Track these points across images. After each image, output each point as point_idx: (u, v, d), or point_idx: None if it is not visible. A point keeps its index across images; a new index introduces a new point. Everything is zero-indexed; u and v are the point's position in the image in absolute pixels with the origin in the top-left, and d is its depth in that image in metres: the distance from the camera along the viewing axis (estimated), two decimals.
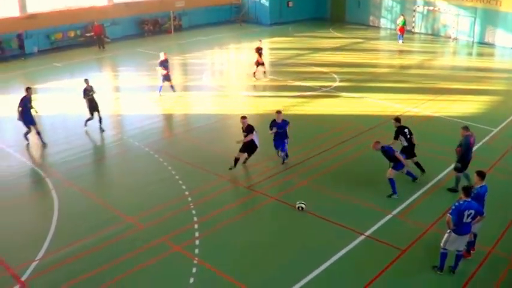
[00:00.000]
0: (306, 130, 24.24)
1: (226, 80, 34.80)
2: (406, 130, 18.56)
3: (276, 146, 20.52)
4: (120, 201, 18.19)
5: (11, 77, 36.14)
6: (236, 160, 19.83)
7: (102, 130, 24.85)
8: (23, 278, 14.04)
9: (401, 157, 17.62)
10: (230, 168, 19.85)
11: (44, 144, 23.43)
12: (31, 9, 44.39)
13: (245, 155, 20.20)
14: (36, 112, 23.68)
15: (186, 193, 18.36)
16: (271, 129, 20.08)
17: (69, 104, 29.15)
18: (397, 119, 18.83)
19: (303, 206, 16.87)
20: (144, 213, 17.21)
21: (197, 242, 15.43)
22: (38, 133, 23.48)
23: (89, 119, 24.99)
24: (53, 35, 45.84)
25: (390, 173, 17.79)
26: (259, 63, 32.54)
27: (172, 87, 29.88)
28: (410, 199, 17.66)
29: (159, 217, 16.94)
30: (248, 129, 19.57)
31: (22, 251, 15.39)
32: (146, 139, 23.62)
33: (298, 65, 36.80)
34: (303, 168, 20.12)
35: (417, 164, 19.02)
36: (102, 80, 34.70)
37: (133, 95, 31.01)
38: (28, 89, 23.46)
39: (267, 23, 55.67)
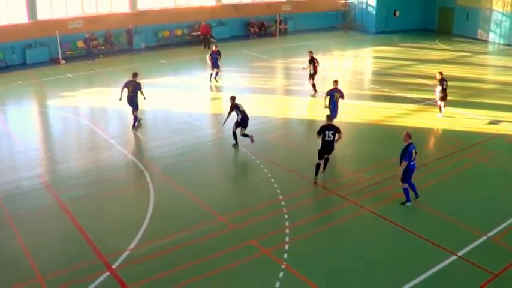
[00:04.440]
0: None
1: (328, 87, 34.45)
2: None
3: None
4: (214, 200, 18.32)
5: (119, 70, 37.22)
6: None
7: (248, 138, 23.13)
8: (113, 266, 14.37)
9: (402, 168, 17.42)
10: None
11: (134, 128, 25.51)
12: (141, 6, 45.74)
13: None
14: (145, 98, 25.69)
15: (280, 197, 18.29)
16: None
17: (172, 101, 29.82)
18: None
19: None
20: (236, 214, 17.28)
21: (287, 247, 15.33)
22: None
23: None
24: (161, 33, 47.09)
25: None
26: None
27: (211, 75, 34.00)
28: (508, 222, 16.86)
29: (251, 219, 16.96)
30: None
31: (115, 240, 15.82)
32: (245, 140, 23.73)
33: (402, 75, 36.07)
34: (399, 181, 19.65)
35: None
36: (204, 79, 35.19)
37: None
38: (135, 75, 25.38)
39: (372, 31, 54.98)
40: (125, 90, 25.23)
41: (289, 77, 37.18)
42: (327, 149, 19.28)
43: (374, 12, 55.41)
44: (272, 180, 19.68)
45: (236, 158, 22.45)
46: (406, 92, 31.33)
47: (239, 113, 22.87)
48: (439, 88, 26.54)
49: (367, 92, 32.25)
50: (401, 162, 17.38)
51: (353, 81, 33.19)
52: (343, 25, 56.42)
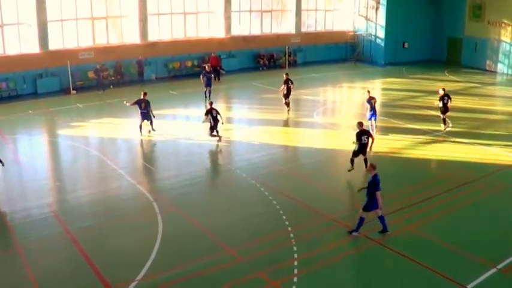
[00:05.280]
0: (414, 174, 23.71)
1: (337, 118, 34.63)
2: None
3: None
4: (222, 231, 18.28)
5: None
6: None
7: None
8: None
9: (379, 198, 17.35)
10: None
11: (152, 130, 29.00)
12: (152, 37, 46.17)
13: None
14: (154, 117, 29.10)
15: (289, 229, 18.22)
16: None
17: (182, 131, 29.95)
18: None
19: None
20: (244, 245, 17.23)
21: (295, 279, 15.24)
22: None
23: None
24: (171, 64, 47.38)
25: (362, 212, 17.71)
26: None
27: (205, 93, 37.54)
28: None
29: (260, 250, 16.91)
30: None
31: (123, 270, 15.77)
32: (253, 171, 23.74)
33: (411, 107, 36.07)
34: (409, 213, 19.57)
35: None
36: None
37: (243, 127, 31.43)
38: (145, 94, 29.13)
39: (381, 63, 55.18)
40: (138, 107, 28.71)
41: (298, 108, 37.21)
42: (363, 150, 23.13)
43: (383, 44, 55.61)
44: (281, 211, 19.63)
45: (244, 190, 22.41)
46: (414, 124, 31.35)
47: (211, 118, 27.21)
48: (441, 103, 29.93)
49: (376, 123, 32.23)
50: (372, 195, 17.37)
51: (362, 112, 33.16)
52: (352, 57, 56.66)
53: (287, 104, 34.12)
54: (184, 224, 18.90)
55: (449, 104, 29.82)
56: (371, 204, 17.44)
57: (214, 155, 26.35)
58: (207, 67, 39.62)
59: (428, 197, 20.86)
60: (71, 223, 18.79)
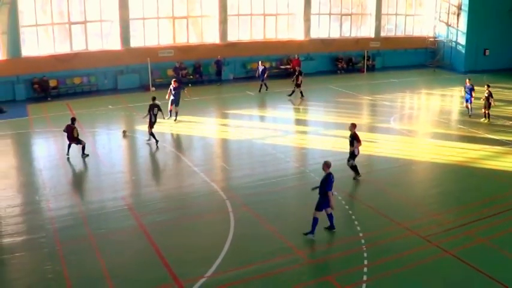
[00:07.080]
0: (491, 186, 23.07)
1: (414, 125, 34.06)
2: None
3: None
4: (292, 233, 18.25)
5: (207, 100, 37.93)
6: None
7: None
8: None
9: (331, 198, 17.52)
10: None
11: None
12: (231, 38, 46.66)
13: None
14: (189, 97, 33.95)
15: (360, 235, 18.05)
16: None
17: (257, 132, 30.09)
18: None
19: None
20: (319, 248, 17.22)
21: (364, 286, 15.08)
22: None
23: None
24: (249, 64, 47.68)
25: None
26: None
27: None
28: None
29: (329, 254, 16.89)
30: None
31: (193, 266, 15.99)
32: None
33: (490, 116, 35.16)
34: (484, 225, 19.05)
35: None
36: (291, 112, 35.43)
37: (319, 130, 31.29)
38: (175, 81, 33.05)
39: (461, 70, 53.84)
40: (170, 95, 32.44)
41: (375, 113, 36.89)
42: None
43: (463, 51, 54.37)
44: (353, 217, 19.50)
45: (317, 193, 22.29)
46: (493, 134, 30.52)
47: (152, 114, 27.53)
48: (487, 101, 33.53)
49: (453, 132, 31.59)
50: (325, 193, 17.58)
51: (440, 120, 32.62)
52: (432, 63, 55.71)
53: (301, 92, 38.95)
54: (255, 224, 19.00)
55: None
56: (323, 202, 17.58)
57: (288, 157, 26.29)
58: (260, 63, 42.68)
59: (505, 210, 20.30)
60: (145, 217, 19.20)
